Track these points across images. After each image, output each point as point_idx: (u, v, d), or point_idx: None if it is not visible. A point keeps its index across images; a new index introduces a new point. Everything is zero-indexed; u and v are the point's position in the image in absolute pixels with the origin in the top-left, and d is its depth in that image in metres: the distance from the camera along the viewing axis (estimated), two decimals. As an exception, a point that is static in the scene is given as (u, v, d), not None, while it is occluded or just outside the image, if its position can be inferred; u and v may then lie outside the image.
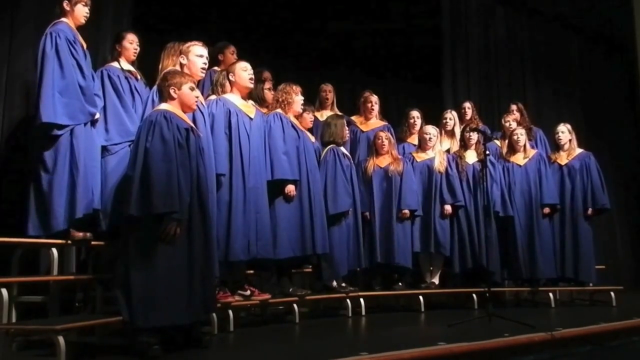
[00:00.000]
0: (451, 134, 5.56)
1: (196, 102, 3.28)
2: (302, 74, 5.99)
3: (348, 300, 4.54)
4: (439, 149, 5.26)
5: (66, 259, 3.69)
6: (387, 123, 5.38)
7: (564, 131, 5.64)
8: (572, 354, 3.47)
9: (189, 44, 3.59)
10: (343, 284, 4.58)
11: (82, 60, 3.51)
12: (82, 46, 3.56)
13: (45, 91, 3.33)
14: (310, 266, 4.62)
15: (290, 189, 4.07)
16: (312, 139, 4.50)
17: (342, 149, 4.72)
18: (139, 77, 3.88)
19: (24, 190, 3.44)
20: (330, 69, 6.64)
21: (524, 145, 5.47)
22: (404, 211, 4.91)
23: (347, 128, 4.77)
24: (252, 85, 3.95)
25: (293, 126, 4.25)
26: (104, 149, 3.62)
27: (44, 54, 3.38)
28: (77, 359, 2.80)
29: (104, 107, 3.65)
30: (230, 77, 3.89)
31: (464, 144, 5.35)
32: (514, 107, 5.92)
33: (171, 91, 3.14)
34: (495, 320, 3.91)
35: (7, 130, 3.85)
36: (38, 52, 3.42)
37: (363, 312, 4.58)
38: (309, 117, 4.50)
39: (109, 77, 3.72)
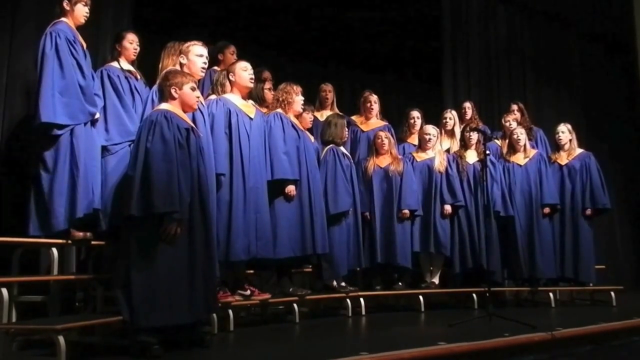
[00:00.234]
0: (451, 133, 5.56)
1: (197, 102, 3.28)
2: (302, 73, 5.99)
3: (348, 300, 4.54)
4: (439, 149, 5.26)
5: (66, 259, 3.70)
6: (387, 123, 5.37)
7: (564, 131, 5.64)
8: (572, 353, 3.47)
9: (188, 43, 3.59)
10: (343, 284, 4.58)
11: (82, 60, 3.50)
12: (82, 46, 3.55)
13: (45, 91, 3.33)
14: (311, 266, 4.62)
15: (291, 188, 4.07)
16: (312, 138, 4.50)
17: (342, 148, 4.72)
18: (138, 76, 3.87)
19: (25, 190, 3.44)
20: (330, 68, 6.65)
21: (525, 145, 5.47)
22: (404, 211, 4.91)
23: (347, 129, 4.77)
24: (252, 85, 3.95)
25: (293, 126, 4.25)
26: (104, 148, 3.62)
27: (44, 54, 3.38)
28: (77, 359, 2.80)
29: (104, 107, 3.65)
30: (231, 77, 3.89)
31: (464, 144, 5.35)
32: (514, 106, 5.93)
33: (172, 91, 3.14)
34: (495, 320, 3.91)
35: (7, 130, 3.85)
36: (38, 52, 3.42)
37: (363, 312, 4.58)
38: (308, 117, 4.50)
39: (109, 77, 3.72)
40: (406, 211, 4.92)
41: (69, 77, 3.40)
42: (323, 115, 5.08)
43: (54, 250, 3.32)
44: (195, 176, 3.07)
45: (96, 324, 3.10)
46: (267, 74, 4.52)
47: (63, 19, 3.53)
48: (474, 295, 4.98)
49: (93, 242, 3.54)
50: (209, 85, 4.12)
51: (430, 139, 5.19)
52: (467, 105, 5.87)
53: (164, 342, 2.88)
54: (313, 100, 5.11)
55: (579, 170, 5.51)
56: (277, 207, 4.04)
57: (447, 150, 5.41)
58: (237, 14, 6.04)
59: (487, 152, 4.59)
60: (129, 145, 3.54)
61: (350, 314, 4.50)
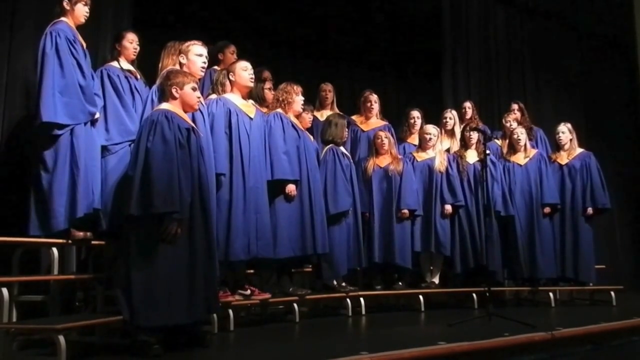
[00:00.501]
0: (451, 133, 5.56)
1: (198, 102, 3.29)
2: (302, 73, 5.99)
3: (348, 300, 4.54)
4: (439, 149, 5.26)
5: (67, 259, 3.70)
6: (387, 122, 5.38)
7: (565, 131, 5.64)
8: (572, 353, 3.47)
9: (188, 43, 3.60)
10: (343, 284, 4.59)
11: (82, 60, 3.50)
12: (82, 45, 3.55)
13: (46, 91, 3.32)
14: (311, 266, 4.62)
15: (291, 188, 4.07)
16: (312, 138, 4.50)
17: (342, 148, 4.72)
18: (138, 76, 3.87)
19: (25, 189, 3.44)
20: (330, 68, 6.64)
21: (525, 145, 5.47)
22: (403, 211, 4.91)
23: (347, 128, 4.77)
24: (252, 85, 3.95)
25: (293, 126, 4.25)
26: (104, 148, 3.62)
27: (44, 54, 3.38)
28: (77, 359, 2.80)
29: (104, 107, 3.64)
30: (231, 77, 3.89)
31: (464, 144, 5.35)
32: (514, 106, 5.93)
33: (173, 90, 3.14)
34: (495, 320, 3.91)
35: (7, 130, 3.84)
36: (38, 52, 3.42)
37: (363, 312, 4.58)
38: (307, 117, 4.51)
39: (109, 76, 3.72)
40: (405, 211, 4.92)
41: (69, 76, 3.40)
42: (323, 115, 5.08)
43: (54, 250, 3.32)
44: (196, 176, 3.07)
45: (96, 323, 3.10)
46: (267, 74, 4.52)
47: (63, 18, 3.53)
48: (474, 295, 4.98)
49: (93, 242, 3.54)
50: (209, 84, 4.12)
51: (430, 139, 5.19)
52: (467, 105, 5.87)
53: (164, 342, 2.88)
54: (313, 100, 5.11)
55: (579, 170, 5.51)
56: (277, 207, 4.04)
57: (447, 150, 5.41)
58: (237, 13, 6.04)
59: (488, 151, 4.59)
60: (129, 145, 3.54)
61: (350, 314, 4.50)
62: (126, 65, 3.84)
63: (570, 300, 5.82)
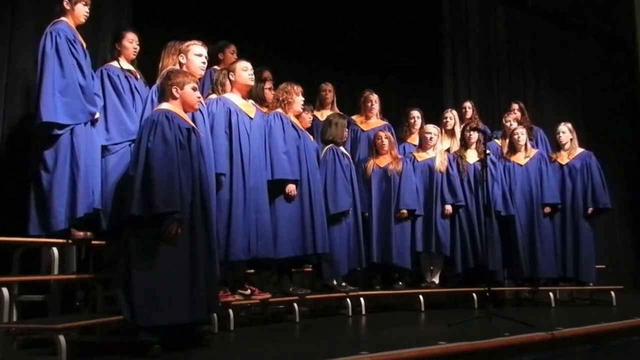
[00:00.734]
0: (451, 133, 5.56)
1: (198, 102, 3.29)
2: (302, 73, 5.99)
3: (348, 300, 4.55)
4: (440, 149, 5.26)
5: (67, 259, 3.70)
6: (387, 122, 5.37)
7: (565, 131, 5.64)
8: (572, 353, 3.47)
9: (188, 43, 3.60)
10: (343, 283, 4.59)
11: (82, 60, 3.50)
12: (82, 45, 3.55)
13: (46, 91, 3.32)
14: (311, 266, 4.62)
15: (291, 188, 4.07)
16: (311, 138, 4.50)
17: (342, 148, 4.72)
18: (138, 76, 3.87)
19: (25, 189, 3.44)
20: (331, 68, 6.64)
21: (525, 145, 5.47)
22: (402, 211, 4.91)
23: (347, 129, 4.77)
24: (252, 85, 3.95)
25: (293, 126, 4.25)
26: (104, 148, 3.62)
27: (44, 54, 3.38)
28: (77, 358, 2.80)
29: (104, 107, 3.64)
30: (231, 77, 3.89)
31: (464, 144, 5.35)
32: (514, 106, 5.93)
33: (173, 90, 3.15)
34: (495, 320, 3.91)
35: (7, 129, 3.85)
36: (38, 52, 3.42)
37: (363, 312, 4.58)
38: (307, 117, 4.51)
39: (109, 76, 3.72)
40: (404, 211, 4.92)
41: (69, 76, 3.40)
42: (323, 114, 5.08)
43: (55, 249, 3.32)
44: (196, 176, 3.07)
45: (96, 323, 3.10)
46: (267, 74, 4.52)
47: (63, 18, 3.53)
48: (474, 295, 4.99)
49: (93, 242, 3.54)
50: (209, 84, 4.12)
51: (431, 138, 5.19)
52: (468, 104, 5.87)
53: (164, 342, 2.89)
54: (313, 100, 5.11)
55: (579, 170, 5.51)
56: (278, 207, 4.04)
57: (447, 150, 5.41)
58: (237, 13, 6.04)
59: (488, 151, 4.59)
60: (129, 145, 3.54)
61: (350, 314, 4.51)
62: (126, 65, 3.83)
63: (570, 300, 5.82)
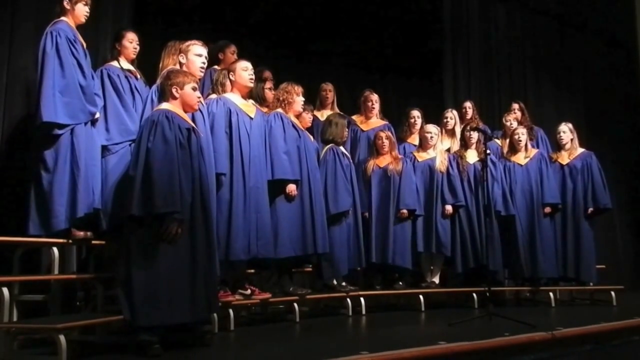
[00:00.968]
0: (452, 133, 5.56)
1: (198, 102, 3.29)
2: (302, 73, 5.98)
3: (348, 300, 4.55)
4: (440, 149, 5.26)
5: (67, 258, 3.70)
6: (387, 122, 5.37)
7: (566, 131, 5.64)
8: (572, 353, 3.47)
9: (188, 43, 3.60)
10: (343, 283, 4.59)
11: (83, 60, 3.50)
12: (82, 45, 3.55)
13: (46, 90, 3.32)
14: (311, 265, 4.62)
15: (292, 188, 4.07)
16: (311, 138, 4.50)
17: (342, 148, 4.72)
18: (138, 76, 3.87)
19: (25, 189, 3.44)
20: (331, 68, 6.64)
21: (525, 145, 5.47)
22: (402, 211, 4.91)
23: (347, 128, 4.77)
24: (252, 85, 3.96)
25: (294, 126, 4.25)
26: (105, 148, 3.62)
27: (45, 53, 3.38)
28: (78, 358, 2.81)
29: (104, 107, 3.64)
30: (231, 77, 3.89)
31: (465, 144, 5.35)
32: (515, 106, 5.93)
33: (173, 90, 3.15)
34: (495, 320, 3.92)
35: (7, 129, 3.85)
36: (38, 52, 3.42)
37: (363, 311, 4.58)
38: (307, 117, 4.51)
39: (109, 76, 3.72)
40: (405, 211, 4.92)
41: (69, 76, 3.40)
42: (323, 114, 5.08)
43: (55, 249, 3.33)
44: (197, 176, 3.08)
45: (97, 323, 3.11)
46: (267, 74, 4.52)
47: (63, 18, 3.53)
48: (474, 294, 4.99)
49: (93, 242, 3.55)
50: (209, 84, 4.12)
51: (432, 137, 5.19)
52: (468, 104, 5.87)
53: (165, 341, 2.89)
54: (313, 100, 5.11)
55: (580, 170, 5.51)
56: (278, 207, 4.04)
57: (448, 150, 5.41)
58: (237, 12, 6.04)
59: (488, 151, 4.58)
60: (130, 145, 3.54)
61: (350, 313, 4.51)
62: (126, 65, 3.84)
63: (571, 300, 5.82)
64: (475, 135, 5.28)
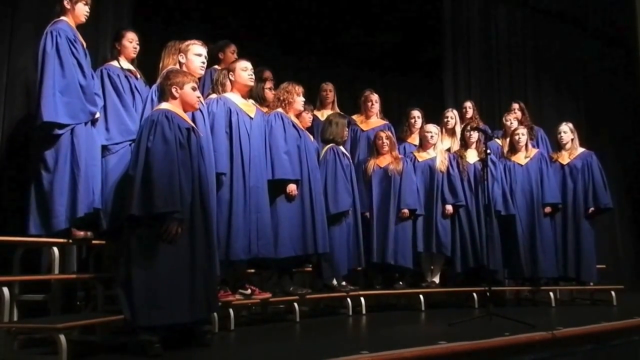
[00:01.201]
0: (452, 132, 5.56)
1: (197, 102, 3.29)
2: (302, 73, 5.99)
3: (348, 299, 4.55)
4: (440, 148, 5.26)
5: (67, 258, 3.70)
6: (387, 122, 5.37)
7: (566, 131, 5.64)
8: (572, 353, 3.47)
9: (187, 42, 3.61)
10: (343, 283, 4.59)
11: (83, 59, 3.50)
12: (82, 45, 3.55)
13: (46, 90, 3.32)
14: (311, 265, 4.62)
15: (292, 188, 4.07)
16: (312, 138, 4.50)
17: (342, 148, 4.72)
18: (138, 75, 3.88)
19: (25, 189, 3.44)
20: (331, 67, 6.64)
21: (526, 145, 5.47)
22: (403, 211, 4.91)
23: (347, 128, 4.77)
24: (251, 85, 3.96)
25: (294, 125, 4.25)
26: (105, 148, 3.62)
27: (45, 53, 3.38)
28: (78, 357, 2.81)
29: (104, 107, 3.64)
30: (231, 77, 3.89)
31: (465, 143, 5.35)
32: (515, 105, 5.93)
33: (173, 90, 3.15)
34: (495, 319, 3.91)
35: (7, 129, 3.85)
36: (38, 51, 3.42)
37: (364, 311, 4.58)
38: (307, 117, 4.51)
39: (109, 76, 3.72)
40: (406, 211, 4.92)
41: (69, 76, 3.40)
42: (323, 114, 5.08)
43: (55, 249, 3.33)
44: (196, 176, 3.08)
45: (97, 322, 3.11)
46: (268, 74, 4.52)
47: (63, 17, 3.53)
48: (474, 294, 4.99)
49: (94, 242, 3.55)
50: (209, 84, 4.12)
51: (432, 137, 5.19)
52: (468, 104, 5.87)
53: (165, 341, 2.89)
54: (313, 100, 5.11)
55: (580, 170, 5.50)
56: (278, 207, 4.04)
57: (448, 150, 5.41)
58: (238, 12, 6.04)
59: (488, 151, 4.58)
60: (130, 145, 3.54)
61: (350, 313, 4.51)
62: (126, 65, 3.84)
63: (571, 300, 5.81)
64: (475, 135, 5.28)
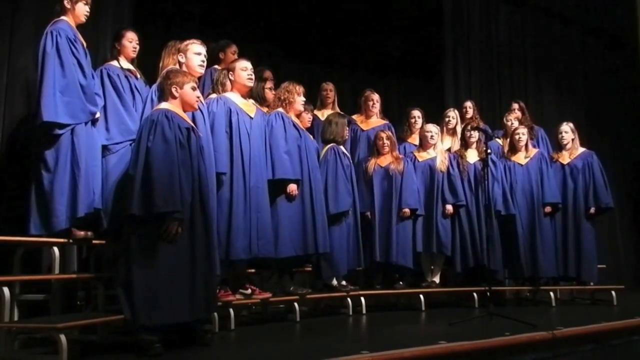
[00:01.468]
0: (453, 132, 5.55)
1: (197, 101, 3.29)
2: (302, 73, 5.98)
3: (349, 299, 4.55)
4: (440, 148, 5.26)
5: (68, 258, 3.70)
6: (387, 122, 5.37)
7: (567, 131, 5.63)
8: (573, 353, 3.46)
9: (187, 42, 3.62)
10: (344, 283, 4.59)
11: (83, 59, 3.50)
12: (82, 45, 3.55)
13: (47, 90, 3.33)
14: (311, 265, 4.62)
15: (293, 188, 4.07)
16: (311, 138, 4.50)
17: (342, 148, 4.72)
18: (138, 75, 3.88)
19: (25, 189, 3.45)
20: (332, 67, 6.64)
21: (526, 144, 5.47)
22: (404, 210, 4.91)
23: (347, 128, 4.77)
24: (251, 84, 3.96)
25: (294, 125, 4.25)
26: (105, 148, 3.62)
27: (45, 53, 3.38)
28: (78, 357, 2.81)
29: (104, 106, 3.64)
30: (230, 76, 3.89)
31: (465, 143, 5.35)
32: (515, 105, 5.93)
33: (173, 90, 3.15)
34: (496, 319, 3.91)
35: (8, 129, 3.85)
36: (39, 51, 3.42)
37: (364, 311, 4.58)
38: (307, 117, 4.51)
39: (109, 76, 3.72)
40: (407, 210, 4.92)
41: (70, 76, 3.40)
42: (324, 114, 5.08)
43: (55, 249, 3.33)
44: (196, 176, 3.08)
45: (97, 322, 3.11)
46: (268, 74, 4.52)
47: (63, 17, 3.53)
48: (475, 294, 4.98)
49: (94, 241, 3.55)
50: (210, 84, 4.12)
51: (432, 137, 5.19)
52: (468, 104, 5.86)
53: (165, 341, 2.89)
54: (313, 99, 5.11)
55: (581, 170, 5.50)
56: (279, 207, 4.04)
57: (448, 150, 5.41)
58: (238, 12, 6.04)
59: (489, 151, 4.58)
60: (130, 144, 3.54)
61: (350, 313, 4.51)
62: (126, 65, 3.84)
63: (571, 299, 5.81)
64: (475, 135, 5.28)
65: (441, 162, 5.15)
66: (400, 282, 5.01)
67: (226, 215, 3.64)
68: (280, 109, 4.23)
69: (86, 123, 3.48)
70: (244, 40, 4.88)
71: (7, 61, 3.87)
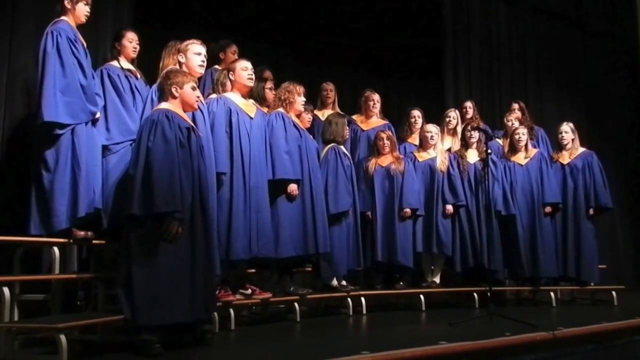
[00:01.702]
0: (453, 132, 5.55)
1: (197, 101, 3.29)
2: (303, 72, 5.98)
3: (349, 299, 4.54)
4: (440, 148, 5.26)
5: (68, 258, 3.70)
6: (387, 121, 5.37)
7: (567, 131, 5.63)
8: (573, 353, 3.46)
9: (187, 42, 3.62)
10: (344, 283, 4.59)
11: (83, 59, 3.50)
12: (83, 45, 3.55)
13: (47, 90, 3.32)
14: (311, 265, 4.62)
15: (293, 188, 4.07)
16: (312, 138, 4.49)
17: (343, 148, 4.72)
18: (138, 75, 3.88)
19: (26, 189, 3.44)
20: (331, 67, 6.64)
21: (526, 145, 5.47)
22: (405, 210, 4.91)
23: (347, 127, 4.77)
24: (251, 84, 3.96)
25: (295, 125, 4.25)
26: (105, 148, 3.62)
27: (45, 53, 3.38)
28: (79, 357, 2.81)
29: (105, 106, 3.65)
30: (231, 76, 3.89)
31: (465, 143, 5.35)
32: (515, 105, 5.93)
33: (173, 90, 3.15)
34: (496, 319, 3.91)
35: (8, 129, 3.85)
36: (39, 51, 3.42)
37: (364, 311, 4.58)
38: (307, 117, 4.50)
39: (109, 76, 3.72)
40: (407, 210, 4.92)
41: (70, 76, 3.40)
42: (324, 114, 5.08)
43: (56, 249, 3.33)
44: (196, 176, 3.08)
45: (97, 322, 3.11)
46: (268, 74, 4.52)
47: (64, 17, 3.53)
48: (475, 294, 4.98)
49: (94, 241, 3.55)
50: (210, 84, 4.12)
51: (432, 137, 5.19)
52: (469, 104, 5.86)
53: (165, 341, 2.89)
54: (314, 99, 5.11)
55: (581, 170, 5.50)
56: (279, 207, 4.04)
57: (448, 150, 5.40)
58: (238, 12, 6.04)
59: (489, 151, 4.58)
60: (130, 144, 3.54)
61: (351, 313, 4.51)
62: (126, 65, 3.84)
63: (572, 300, 5.81)
64: (476, 135, 5.28)
65: (441, 162, 5.15)
66: (401, 282, 5.01)
67: (226, 215, 3.64)
68: (281, 109, 4.23)
69: (86, 123, 3.48)
70: (243, 40, 4.88)
71: (7, 61, 3.87)
